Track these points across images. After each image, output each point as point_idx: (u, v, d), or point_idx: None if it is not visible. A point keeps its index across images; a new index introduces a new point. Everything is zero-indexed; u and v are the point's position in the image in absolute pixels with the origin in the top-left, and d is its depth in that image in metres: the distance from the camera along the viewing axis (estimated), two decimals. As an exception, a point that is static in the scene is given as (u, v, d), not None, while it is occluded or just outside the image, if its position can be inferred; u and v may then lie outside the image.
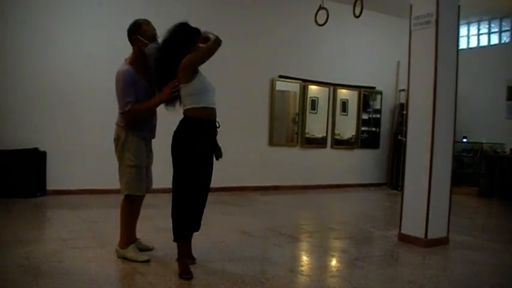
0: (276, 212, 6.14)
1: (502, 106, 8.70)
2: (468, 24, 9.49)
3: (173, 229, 3.36)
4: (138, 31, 3.54)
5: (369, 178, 9.43)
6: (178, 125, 3.37)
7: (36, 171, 6.19)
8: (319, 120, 8.74)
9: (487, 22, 9.25)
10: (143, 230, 4.60)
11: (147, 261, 3.50)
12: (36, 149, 6.24)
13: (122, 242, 3.59)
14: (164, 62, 3.37)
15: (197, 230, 3.54)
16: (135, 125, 3.54)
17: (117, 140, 3.57)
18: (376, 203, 7.83)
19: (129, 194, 3.60)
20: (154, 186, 7.20)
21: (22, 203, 5.72)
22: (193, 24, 3.46)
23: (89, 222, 4.87)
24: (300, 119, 8.52)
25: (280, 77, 8.17)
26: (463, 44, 9.32)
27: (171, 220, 3.37)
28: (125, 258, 3.52)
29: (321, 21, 5.68)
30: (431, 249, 4.23)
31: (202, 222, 3.58)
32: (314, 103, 8.64)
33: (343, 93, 9.01)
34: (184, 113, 3.37)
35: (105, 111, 6.68)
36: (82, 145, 6.57)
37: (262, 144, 8.11)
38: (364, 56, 9.12)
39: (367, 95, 9.38)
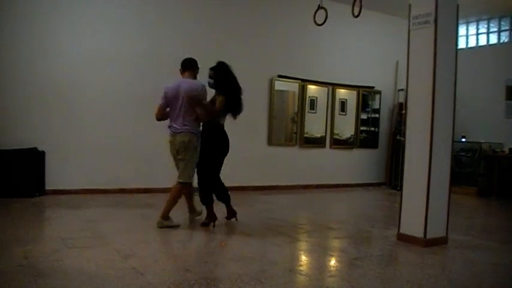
0: (275, 212, 6.14)
1: (501, 106, 8.71)
2: (467, 23, 9.49)
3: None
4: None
5: (368, 178, 9.44)
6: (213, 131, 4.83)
7: (35, 171, 6.19)
8: (318, 120, 8.74)
9: (485, 22, 9.26)
10: (143, 229, 4.61)
11: (178, 225, 4.69)
12: (35, 148, 6.23)
13: (165, 215, 4.62)
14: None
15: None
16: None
17: (187, 143, 4.58)
18: (375, 203, 7.83)
19: (189, 182, 4.67)
20: (153, 186, 7.24)
21: (21, 202, 5.71)
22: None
23: (87, 222, 4.86)
24: (299, 119, 8.52)
25: (279, 76, 8.17)
26: (461, 44, 9.34)
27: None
28: (168, 227, 4.57)
29: (319, 21, 5.68)
30: (430, 248, 4.23)
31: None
32: (313, 103, 8.64)
33: (342, 92, 9.01)
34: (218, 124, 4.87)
35: (104, 111, 6.72)
36: (81, 145, 6.57)
37: (261, 144, 8.11)
38: (363, 56, 9.13)
39: (366, 95, 9.38)
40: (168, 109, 4.72)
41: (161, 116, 4.76)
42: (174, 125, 4.65)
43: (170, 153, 4.78)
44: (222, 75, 4.85)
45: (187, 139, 4.58)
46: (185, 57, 4.83)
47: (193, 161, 4.66)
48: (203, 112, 4.64)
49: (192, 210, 5.02)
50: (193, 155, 4.63)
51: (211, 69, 4.93)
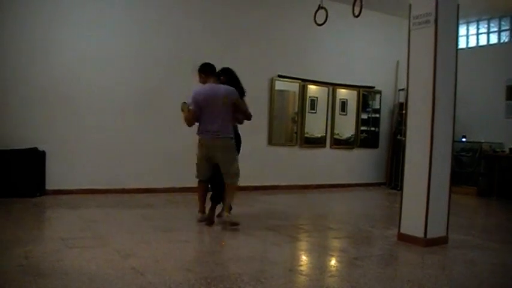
0: (275, 212, 6.14)
1: (501, 105, 8.70)
2: (467, 23, 9.48)
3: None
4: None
5: (368, 178, 9.44)
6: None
7: (35, 171, 6.19)
8: (318, 120, 8.74)
9: (486, 21, 9.25)
10: (143, 229, 4.61)
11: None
12: (36, 148, 6.23)
13: (229, 207, 4.83)
14: None
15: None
16: None
17: (227, 147, 4.75)
18: (375, 203, 7.83)
19: (238, 178, 4.87)
20: (154, 185, 7.23)
21: (21, 202, 5.71)
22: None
23: (88, 222, 4.86)
24: (299, 119, 8.52)
25: (280, 76, 8.17)
26: (462, 44, 9.32)
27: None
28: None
29: (320, 21, 5.68)
30: (430, 248, 4.23)
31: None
32: (313, 103, 8.64)
33: (342, 92, 9.01)
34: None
35: (104, 111, 6.72)
36: (81, 145, 6.57)
37: (261, 144, 8.10)
38: (363, 56, 9.12)
39: (366, 95, 9.38)
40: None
41: (193, 122, 4.82)
42: (211, 129, 4.72)
43: (201, 154, 4.84)
44: (235, 79, 5.04)
45: (226, 143, 4.74)
46: (204, 62, 4.94)
47: (237, 160, 4.87)
48: (243, 116, 4.96)
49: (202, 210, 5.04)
50: (234, 155, 4.86)
51: (222, 74, 5.05)
